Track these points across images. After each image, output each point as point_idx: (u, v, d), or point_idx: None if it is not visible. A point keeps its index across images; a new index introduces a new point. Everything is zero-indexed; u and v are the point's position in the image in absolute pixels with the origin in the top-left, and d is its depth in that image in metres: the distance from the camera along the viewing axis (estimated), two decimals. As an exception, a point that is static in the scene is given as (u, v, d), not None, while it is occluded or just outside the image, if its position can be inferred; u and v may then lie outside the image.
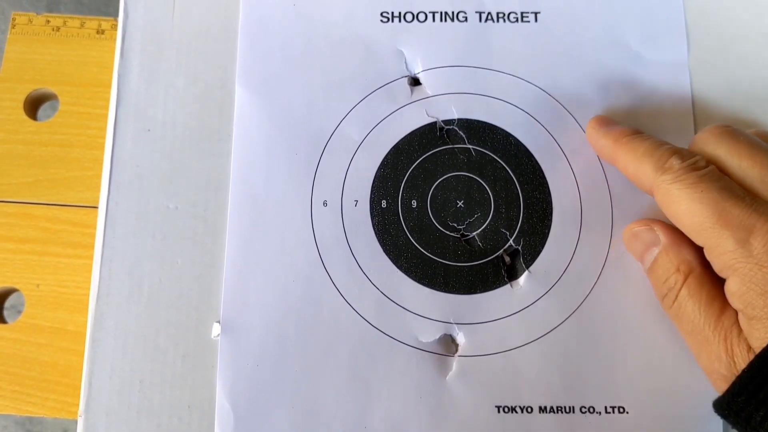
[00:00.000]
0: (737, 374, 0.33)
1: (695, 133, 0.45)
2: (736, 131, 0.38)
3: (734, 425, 0.34)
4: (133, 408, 0.42)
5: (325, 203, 0.44)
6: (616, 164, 0.42)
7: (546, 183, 0.44)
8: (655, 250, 0.39)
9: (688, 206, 0.36)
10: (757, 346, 0.32)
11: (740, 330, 0.34)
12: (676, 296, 0.38)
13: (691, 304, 0.37)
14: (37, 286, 0.49)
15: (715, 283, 0.37)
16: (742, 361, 0.33)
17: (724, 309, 0.36)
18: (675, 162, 0.37)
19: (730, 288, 0.35)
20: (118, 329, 0.43)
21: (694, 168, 0.37)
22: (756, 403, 0.32)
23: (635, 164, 0.40)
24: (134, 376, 0.42)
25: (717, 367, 0.35)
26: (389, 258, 0.43)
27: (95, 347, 0.43)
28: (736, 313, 0.35)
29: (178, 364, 0.42)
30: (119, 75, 0.47)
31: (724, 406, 0.34)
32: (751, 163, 0.36)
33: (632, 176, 0.40)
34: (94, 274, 0.44)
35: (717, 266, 0.36)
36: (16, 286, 0.49)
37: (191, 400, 0.42)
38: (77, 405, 0.45)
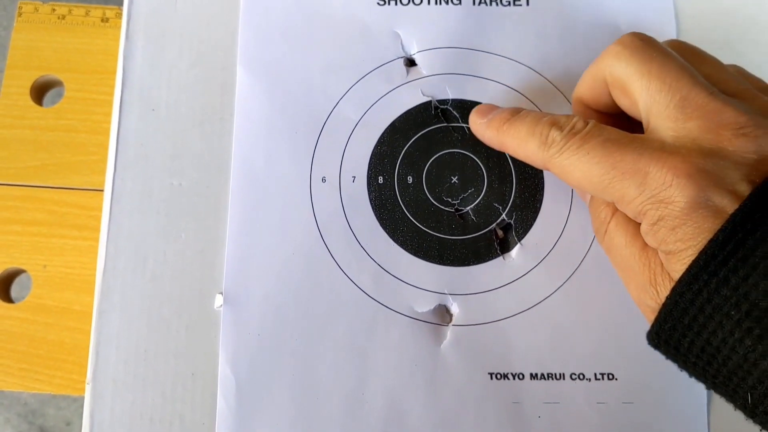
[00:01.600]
0: (662, 303, 0.33)
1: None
2: (651, 44, 0.37)
3: (667, 355, 0.34)
4: (139, 377, 0.43)
5: (323, 179, 0.45)
6: (507, 152, 0.42)
7: (538, 159, 0.46)
8: None
9: (582, 171, 0.35)
10: (677, 278, 0.32)
11: (663, 264, 0.34)
12: (606, 228, 0.38)
13: (619, 235, 0.37)
14: (44, 267, 0.50)
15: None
16: (665, 291, 0.33)
17: (647, 244, 0.35)
18: (555, 135, 0.37)
19: (644, 230, 0.34)
20: (124, 302, 0.44)
21: (574, 133, 0.36)
22: (682, 329, 0.32)
23: (522, 149, 0.39)
24: (140, 346, 0.43)
25: (644, 299, 0.35)
26: (386, 232, 0.45)
27: (102, 319, 0.44)
28: None
29: (182, 335, 0.43)
30: (124, 57, 0.48)
31: (653, 336, 0.34)
32: (660, 86, 0.35)
33: (524, 160, 0.40)
34: (101, 250, 0.45)
35: (630, 215, 0.35)
36: (24, 267, 0.50)
37: (195, 369, 0.43)
38: (83, 382, 0.46)
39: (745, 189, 0.31)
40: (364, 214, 0.45)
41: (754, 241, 0.29)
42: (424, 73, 0.47)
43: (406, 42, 0.48)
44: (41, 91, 0.55)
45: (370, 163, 0.46)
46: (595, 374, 0.42)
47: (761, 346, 0.29)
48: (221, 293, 0.43)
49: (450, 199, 0.45)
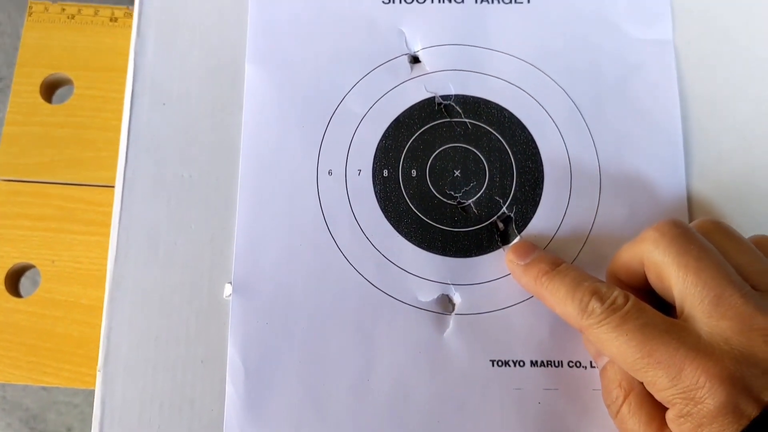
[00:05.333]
0: None
1: (680, 106, 0.48)
2: (687, 235, 0.38)
3: None
4: (150, 363, 0.44)
5: (330, 172, 0.46)
6: (542, 301, 0.42)
7: (538, 153, 0.47)
8: (605, 359, 0.40)
9: (617, 348, 0.36)
10: None
11: None
12: (618, 410, 0.38)
13: (632, 421, 0.38)
14: (53, 261, 0.51)
15: (656, 403, 0.37)
16: None
17: (662, 429, 0.36)
18: (596, 305, 0.37)
19: (669, 417, 0.35)
20: (135, 289, 0.45)
21: (614, 309, 0.37)
22: None
23: (559, 308, 0.40)
24: (151, 333, 0.44)
25: None
26: (390, 223, 0.46)
27: (113, 307, 0.45)
28: None
29: (192, 322, 0.44)
30: (136, 52, 0.49)
31: None
32: (695, 280, 0.36)
33: (560, 315, 0.40)
34: (112, 239, 0.46)
35: (657, 397, 0.36)
36: (33, 262, 0.51)
37: (204, 356, 0.44)
38: (91, 375, 0.47)
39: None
40: (369, 206, 0.46)
41: None
42: (428, 69, 0.48)
43: (410, 39, 0.49)
44: (51, 89, 0.56)
45: (375, 157, 0.47)
46: (590, 362, 0.43)
47: None
48: (230, 282, 0.44)
49: (453, 192, 0.46)
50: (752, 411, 0.32)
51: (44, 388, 1.23)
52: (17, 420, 1.24)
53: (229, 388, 0.43)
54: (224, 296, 0.45)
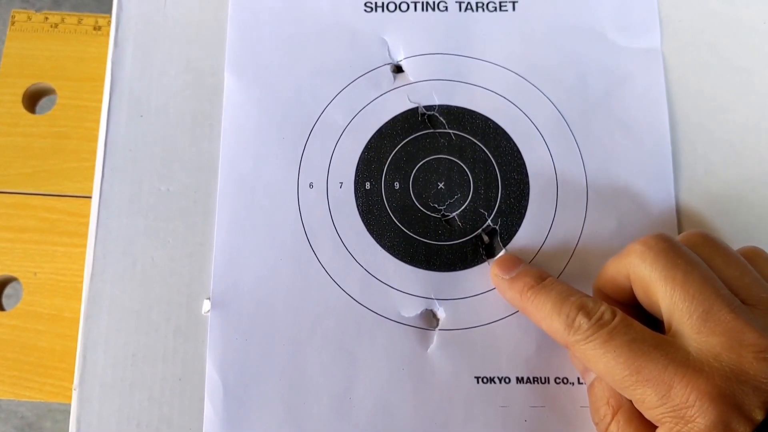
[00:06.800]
0: None
1: (669, 117, 0.47)
2: (675, 249, 0.37)
3: None
4: (127, 381, 0.43)
5: (311, 185, 0.46)
6: (527, 316, 0.41)
7: (524, 164, 0.46)
8: (593, 375, 0.39)
9: (605, 365, 0.35)
10: None
11: None
12: (606, 428, 0.38)
13: None
14: (35, 274, 0.50)
15: (645, 421, 0.36)
16: None
17: None
18: (582, 321, 0.37)
19: None
20: (112, 305, 0.44)
21: (601, 324, 0.36)
22: None
23: (545, 323, 0.39)
24: (128, 350, 0.43)
25: None
26: (373, 237, 0.45)
27: (89, 323, 0.44)
28: None
29: (169, 339, 0.43)
30: (113, 63, 0.48)
31: None
32: (683, 295, 0.35)
33: (545, 331, 0.40)
34: (89, 253, 0.45)
35: (646, 416, 0.35)
36: (15, 275, 0.50)
37: (182, 373, 0.43)
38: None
39: (760, 416, 0.32)
40: (351, 220, 0.45)
41: None
42: (411, 79, 0.48)
43: (393, 48, 0.48)
44: (34, 99, 0.55)
45: (357, 169, 0.46)
46: (578, 378, 0.43)
47: None
48: (209, 298, 0.44)
49: (436, 205, 0.46)
50: (744, 430, 0.32)
51: (39, 396, 1.23)
52: (12, 428, 1.24)
53: (208, 407, 0.42)
54: (203, 312, 0.44)
